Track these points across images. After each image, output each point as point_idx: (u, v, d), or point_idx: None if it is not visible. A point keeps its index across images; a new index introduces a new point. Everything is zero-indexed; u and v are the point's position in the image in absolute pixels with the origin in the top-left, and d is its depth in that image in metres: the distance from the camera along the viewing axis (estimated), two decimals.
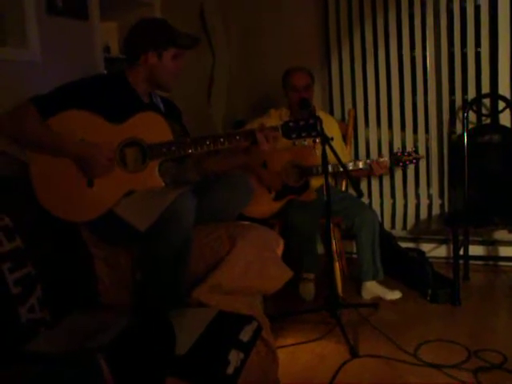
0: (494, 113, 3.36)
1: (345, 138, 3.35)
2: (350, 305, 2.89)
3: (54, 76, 2.36)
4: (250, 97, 3.90)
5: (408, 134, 3.60)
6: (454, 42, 3.39)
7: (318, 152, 2.63)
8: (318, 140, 2.19)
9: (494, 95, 3.33)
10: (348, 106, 3.70)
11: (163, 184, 1.99)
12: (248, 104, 3.87)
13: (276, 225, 3.06)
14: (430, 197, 3.63)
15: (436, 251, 3.61)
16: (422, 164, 3.58)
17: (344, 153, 3.17)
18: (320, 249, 3.40)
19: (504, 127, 3.28)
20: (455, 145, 3.44)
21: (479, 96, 3.37)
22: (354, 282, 3.17)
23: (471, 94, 3.39)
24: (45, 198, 1.93)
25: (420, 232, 3.67)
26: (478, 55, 3.35)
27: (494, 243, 3.47)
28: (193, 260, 1.93)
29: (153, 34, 2.07)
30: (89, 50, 2.65)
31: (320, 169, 2.88)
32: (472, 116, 3.36)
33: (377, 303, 2.91)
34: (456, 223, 3.01)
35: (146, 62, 2.06)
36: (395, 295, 3.01)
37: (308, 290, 3.04)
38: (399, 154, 3.01)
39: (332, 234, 2.75)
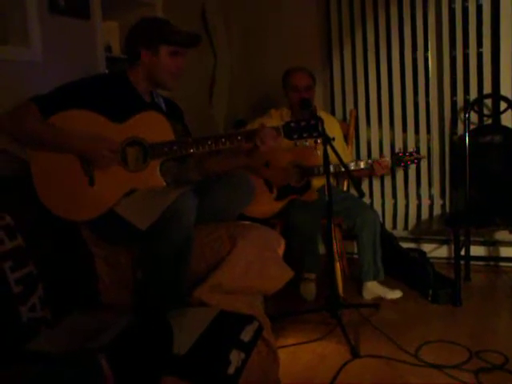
0: (496, 113, 3.35)
1: (346, 138, 3.35)
2: (351, 305, 2.88)
3: (55, 75, 2.36)
4: (251, 97, 3.90)
5: (409, 135, 3.60)
6: (455, 42, 3.38)
7: (320, 152, 2.62)
8: (319, 140, 2.19)
9: (496, 96, 3.33)
10: (349, 106, 3.70)
11: (164, 183, 1.99)
12: (249, 104, 3.87)
13: (277, 225, 3.06)
14: (431, 197, 3.63)
15: (437, 251, 3.60)
16: (424, 164, 3.57)
17: (345, 153, 3.16)
18: (321, 249, 3.40)
19: (506, 128, 3.27)
20: (457, 145, 3.44)
21: (481, 96, 3.37)
22: (355, 282, 3.17)
23: (473, 94, 3.39)
24: (46, 197, 1.93)
25: (421, 232, 3.66)
26: (479, 55, 3.35)
27: (496, 244, 3.47)
28: (194, 260, 1.93)
29: (146, 32, 2.07)
30: (90, 50, 2.65)
31: (321, 169, 2.88)
32: (474, 116, 3.36)
33: (378, 303, 2.90)
34: (457, 224, 3.00)
35: (143, 60, 2.07)
36: (396, 294, 3.01)
37: (309, 290, 3.04)
38: (401, 154, 3.01)
39: (333, 234, 2.74)
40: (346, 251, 3.46)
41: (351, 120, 3.40)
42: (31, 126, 1.88)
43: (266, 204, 3.00)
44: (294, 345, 2.46)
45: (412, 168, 3.58)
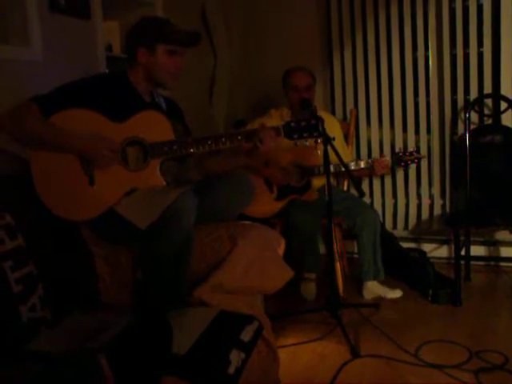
0: (496, 113, 3.35)
1: (346, 137, 3.35)
2: (351, 305, 2.88)
3: (55, 75, 2.36)
4: (251, 97, 3.90)
5: (410, 134, 3.60)
6: (456, 42, 3.38)
7: (320, 152, 2.62)
8: (319, 140, 2.20)
9: (496, 95, 3.33)
10: (350, 105, 3.70)
11: (164, 183, 1.99)
12: (249, 104, 3.87)
13: (277, 224, 3.06)
14: (431, 197, 3.63)
15: (437, 251, 3.60)
16: (424, 164, 3.58)
17: (345, 152, 3.16)
18: (321, 249, 3.40)
19: (506, 127, 3.27)
20: (457, 145, 3.44)
21: (481, 96, 3.37)
22: (355, 281, 3.17)
23: (473, 94, 3.39)
24: (46, 197, 1.93)
25: (421, 232, 3.66)
26: (480, 55, 3.35)
27: (496, 244, 3.47)
28: (194, 259, 1.93)
29: (144, 31, 2.07)
30: (91, 49, 2.65)
31: (322, 169, 2.88)
32: (474, 116, 3.36)
33: (378, 303, 2.90)
34: (457, 223, 3.00)
35: (141, 60, 2.07)
36: (396, 294, 3.01)
37: (309, 289, 3.04)
38: (401, 153, 3.02)
39: (333, 234, 2.74)
40: (346, 251, 3.46)
41: (351, 120, 3.40)
42: (31, 126, 1.88)
43: (266, 204, 3.00)
44: (294, 344, 2.46)
45: (412, 168, 3.58)
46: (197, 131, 2.30)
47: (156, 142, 1.98)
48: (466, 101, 3.43)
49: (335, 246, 2.93)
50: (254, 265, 1.95)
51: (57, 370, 1.21)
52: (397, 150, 3.21)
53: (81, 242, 2.02)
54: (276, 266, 2.03)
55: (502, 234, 3.42)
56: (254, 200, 2.20)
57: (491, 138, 3.27)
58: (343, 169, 2.62)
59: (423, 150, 3.55)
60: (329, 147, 2.42)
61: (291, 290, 2.87)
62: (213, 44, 3.63)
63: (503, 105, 3.29)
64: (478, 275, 3.32)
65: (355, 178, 2.62)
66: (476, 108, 3.35)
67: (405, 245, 3.52)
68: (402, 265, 3.30)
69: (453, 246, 3.08)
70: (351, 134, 3.39)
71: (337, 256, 2.98)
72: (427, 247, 3.60)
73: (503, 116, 3.31)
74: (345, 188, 3.45)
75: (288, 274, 2.06)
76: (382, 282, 3.05)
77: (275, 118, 3.02)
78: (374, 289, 3.03)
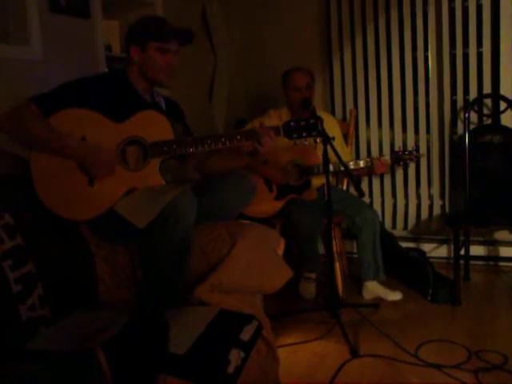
0: (496, 113, 3.35)
1: (346, 137, 3.35)
2: (351, 304, 2.88)
3: (55, 74, 2.36)
4: (251, 97, 3.90)
5: (409, 134, 3.60)
6: (455, 42, 3.38)
7: (319, 151, 2.62)
8: (318, 140, 2.20)
9: (496, 95, 3.33)
10: (349, 105, 3.70)
11: (164, 182, 1.99)
12: (249, 104, 3.87)
13: (277, 224, 3.06)
14: (430, 197, 3.63)
15: (437, 251, 3.61)
16: (423, 164, 3.58)
17: (345, 152, 3.17)
18: (321, 248, 3.40)
19: (505, 127, 3.27)
20: (456, 145, 3.44)
21: (481, 96, 3.37)
22: (355, 281, 3.17)
23: (473, 94, 3.39)
24: (46, 196, 1.93)
25: (421, 232, 3.67)
26: (479, 55, 3.35)
27: (495, 243, 3.47)
28: (194, 259, 1.93)
29: (136, 29, 2.09)
30: (90, 49, 2.65)
31: (321, 168, 2.88)
32: (473, 116, 3.36)
33: (377, 303, 2.90)
34: (457, 223, 3.00)
35: (134, 57, 2.07)
36: (396, 296, 3.00)
37: (309, 289, 3.04)
38: (400, 152, 3.02)
39: (333, 234, 2.74)
40: (345, 250, 3.46)
41: (351, 120, 3.40)
42: (31, 127, 1.87)
43: (266, 203, 3.00)
44: (293, 344, 2.46)
45: (412, 167, 3.59)
46: (197, 132, 2.30)
47: (156, 141, 1.98)
48: (466, 101, 3.43)
49: (335, 246, 2.93)
50: (254, 264, 1.95)
51: (56, 369, 1.21)
52: (396, 149, 3.21)
53: (80, 241, 2.02)
54: (275, 266, 2.03)
55: (501, 234, 3.43)
56: (253, 199, 2.20)
57: (490, 138, 3.27)
58: (342, 168, 2.62)
59: (423, 150, 3.54)
60: (328, 147, 2.42)
61: (291, 290, 2.87)
62: (213, 44, 3.63)
63: (503, 105, 3.29)
64: (477, 275, 3.32)
65: (354, 178, 2.62)
66: (475, 108, 3.35)
67: (404, 245, 3.51)
68: (401, 265, 3.30)
69: (452, 246, 3.09)
70: (351, 134, 3.39)
71: (336, 256, 2.97)
72: (427, 247, 3.60)
73: (502, 116, 3.31)
74: (344, 187, 3.45)
75: (287, 273, 2.06)
76: (382, 282, 3.05)
77: (274, 118, 3.02)
78: (373, 289, 3.03)
